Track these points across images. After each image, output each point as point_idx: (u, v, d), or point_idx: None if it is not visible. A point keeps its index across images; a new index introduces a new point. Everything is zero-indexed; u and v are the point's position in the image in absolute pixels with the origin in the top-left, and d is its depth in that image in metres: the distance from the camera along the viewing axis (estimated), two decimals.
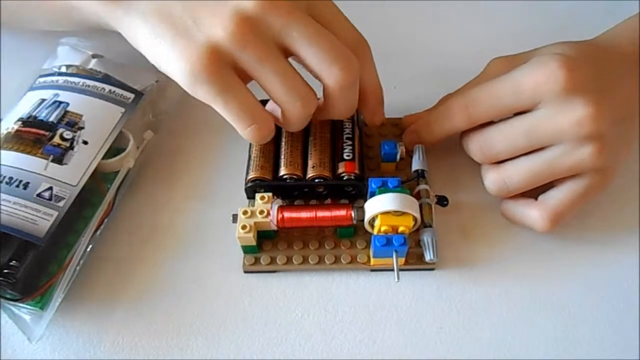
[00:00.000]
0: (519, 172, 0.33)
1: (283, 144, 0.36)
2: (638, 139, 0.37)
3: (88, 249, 0.34)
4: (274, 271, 0.35)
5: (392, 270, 0.32)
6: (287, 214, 0.33)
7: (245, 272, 0.35)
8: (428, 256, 0.33)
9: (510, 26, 0.47)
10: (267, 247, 0.35)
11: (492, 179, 0.34)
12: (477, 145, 0.34)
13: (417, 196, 0.34)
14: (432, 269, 0.35)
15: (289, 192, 0.36)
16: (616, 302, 0.34)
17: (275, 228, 0.34)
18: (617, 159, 0.33)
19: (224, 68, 0.30)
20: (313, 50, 0.30)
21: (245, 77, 0.31)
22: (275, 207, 0.34)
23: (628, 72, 0.34)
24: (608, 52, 0.35)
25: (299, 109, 0.31)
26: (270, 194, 0.34)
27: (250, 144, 0.36)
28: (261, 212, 0.33)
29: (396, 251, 0.32)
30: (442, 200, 0.35)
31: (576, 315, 0.33)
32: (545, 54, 0.33)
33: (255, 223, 0.33)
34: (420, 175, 0.36)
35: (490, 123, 0.34)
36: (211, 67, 0.29)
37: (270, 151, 0.36)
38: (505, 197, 0.35)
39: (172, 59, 0.30)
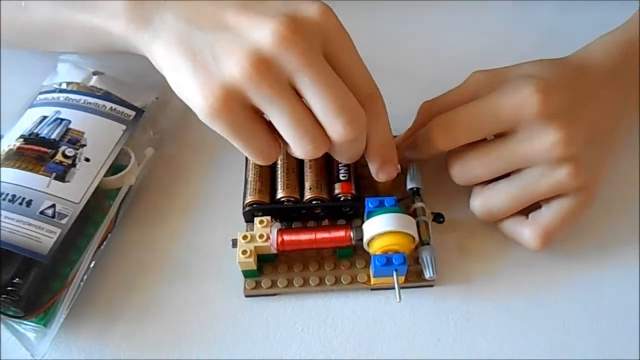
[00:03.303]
0: (500, 197, 0.34)
1: (279, 166, 0.36)
2: (620, 150, 0.37)
3: (91, 266, 0.34)
4: (275, 294, 0.35)
5: (392, 288, 0.32)
6: (286, 237, 0.34)
7: (247, 296, 0.35)
8: (428, 274, 0.33)
9: (508, 39, 0.47)
10: (267, 271, 0.35)
11: (476, 205, 0.35)
12: (457, 170, 0.35)
13: (414, 214, 0.35)
14: (432, 286, 0.35)
15: (287, 215, 0.36)
16: (613, 316, 0.34)
17: (275, 251, 0.34)
18: (596, 176, 0.34)
19: (239, 107, 0.30)
20: (320, 99, 0.30)
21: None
22: (275, 231, 0.34)
23: (605, 88, 0.35)
24: (584, 69, 0.35)
25: (309, 152, 0.31)
26: (269, 218, 0.34)
27: (247, 168, 0.37)
28: (261, 236, 0.34)
29: (396, 270, 0.32)
30: (438, 217, 0.36)
31: (573, 329, 0.34)
32: (522, 76, 0.34)
33: (255, 247, 0.33)
34: (416, 193, 0.36)
35: (472, 144, 0.34)
36: (226, 106, 0.29)
37: (266, 174, 0.36)
38: (493, 221, 0.36)
39: (191, 94, 0.30)
